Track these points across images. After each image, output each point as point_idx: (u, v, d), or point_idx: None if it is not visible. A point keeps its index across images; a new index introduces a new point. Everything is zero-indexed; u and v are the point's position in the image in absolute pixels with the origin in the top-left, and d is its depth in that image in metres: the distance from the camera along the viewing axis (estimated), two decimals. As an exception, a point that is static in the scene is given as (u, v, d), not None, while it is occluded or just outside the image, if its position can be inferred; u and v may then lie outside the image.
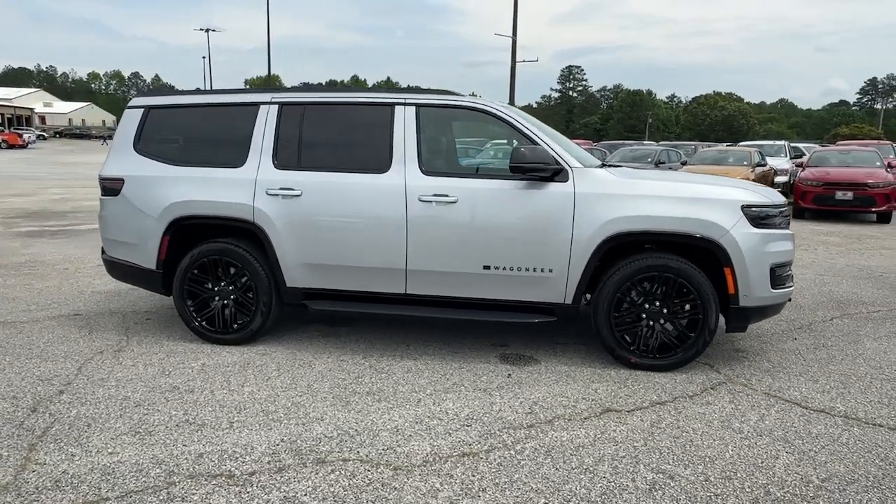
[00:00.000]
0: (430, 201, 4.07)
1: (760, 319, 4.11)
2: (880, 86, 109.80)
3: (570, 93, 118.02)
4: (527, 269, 4.03)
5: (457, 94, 4.33)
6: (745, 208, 3.86)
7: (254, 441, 3.04)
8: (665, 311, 3.96)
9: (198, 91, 4.89)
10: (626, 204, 3.89)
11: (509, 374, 3.96)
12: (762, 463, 2.87)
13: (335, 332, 4.81)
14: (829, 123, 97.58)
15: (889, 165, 13.86)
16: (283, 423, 3.25)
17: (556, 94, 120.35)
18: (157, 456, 2.89)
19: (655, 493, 2.61)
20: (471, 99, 4.31)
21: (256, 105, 4.44)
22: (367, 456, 2.91)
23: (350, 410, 3.41)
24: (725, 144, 22.22)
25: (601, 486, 2.66)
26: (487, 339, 4.63)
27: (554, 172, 3.96)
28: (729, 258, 3.81)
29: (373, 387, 3.75)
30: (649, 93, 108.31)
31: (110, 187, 4.62)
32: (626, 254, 4.00)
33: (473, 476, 2.74)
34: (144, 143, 4.59)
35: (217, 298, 4.46)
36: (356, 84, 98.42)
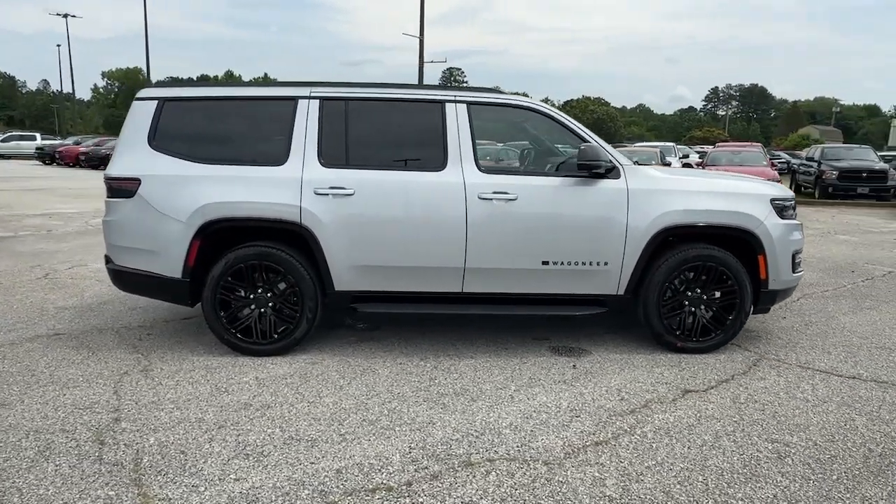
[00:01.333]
0: (491, 199, 4.08)
1: (780, 301, 4.59)
2: (721, 94, 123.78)
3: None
4: (583, 263, 4.18)
5: (504, 93, 4.37)
6: (773, 201, 4.30)
7: (383, 451, 2.90)
8: (705, 297, 4.30)
9: (220, 83, 4.48)
10: (675, 199, 4.17)
11: (574, 366, 4.09)
12: (845, 425, 3.24)
13: (370, 336, 4.65)
14: (681, 127, 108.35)
15: (771, 164, 15.87)
16: (397, 430, 3.13)
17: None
18: (292, 477, 2.67)
19: (786, 460, 2.87)
20: (521, 98, 4.38)
21: (293, 99, 4.17)
22: (508, 454, 2.90)
23: (453, 412, 3.35)
24: (636, 145, 24.25)
25: (738, 459, 2.87)
26: (527, 334, 4.72)
27: (608, 170, 4.14)
28: (763, 246, 4.23)
29: (455, 387, 3.70)
30: (525, 95, 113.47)
31: (122, 188, 4.11)
32: (670, 246, 4.28)
33: (621, 462, 2.83)
34: (162, 139, 4.14)
35: (253, 307, 4.14)
36: (231, 79, 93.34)
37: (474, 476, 2.70)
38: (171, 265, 4.06)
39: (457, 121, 4.18)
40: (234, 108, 4.22)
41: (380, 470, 2.74)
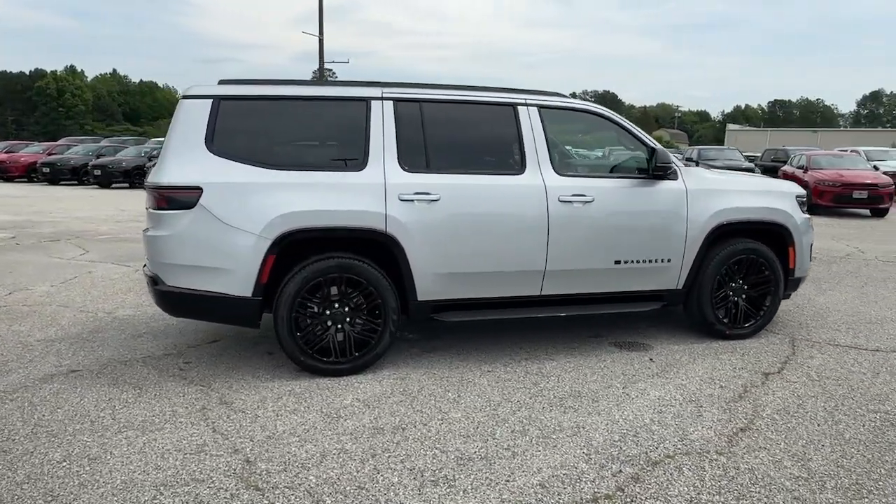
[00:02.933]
0: (571, 201, 4.13)
1: (798, 288, 5.12)
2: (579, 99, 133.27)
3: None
4: (650, 261, 4.37)
5: (568, 97, 4.44)
6: (797, 197, 4.80)
7: (564, 461, 2.85)
8: (746, 286, 4.69)
9: (279, 81, 4.04)
10: (726, 197, 4.51)
11: (651, 359, 4.27)
12: (914, 392, 3.73)
13: (430, 346, 4.49)
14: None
15: None
16: (554, 438, 3.08)
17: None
18: (502, 497, 2.54)
19: (900, 426, 3.25)
20: (585, 102, 4.46)
21: (365, 100, 3.92)
22: (679, 449, 2.97)
23: (588, 414, 3.36)
24: None
25: (865, 429, 3.19)
26: (580, 333, 4.82)
27: (671, 171, 4.37)
28: (792, 238, 4.70)
29: (563, 389, 3.71)
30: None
31: (178, 198, 3.61)
32: (720, 241, 4.60)
33: (778, 443, 3.02)
34: (222, 142, 3.69)
35: (330, 323, 3.84)
36: (76, 75, 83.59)
37: (671, 473, 2.75)
38: (240, 283, 3.65)
39: (531, 124, 4.18)
40: (300, 108, 3.88)
41: (579, 479, 2.69)
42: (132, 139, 31.60)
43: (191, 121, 3.69)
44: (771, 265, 4.66)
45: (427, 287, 3.96)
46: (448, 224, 3.92)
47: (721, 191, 4.52)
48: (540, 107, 4.25)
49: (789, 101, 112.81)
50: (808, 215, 4.94)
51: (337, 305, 3.84)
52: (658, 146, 4.36)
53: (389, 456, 2.90)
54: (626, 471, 2.77)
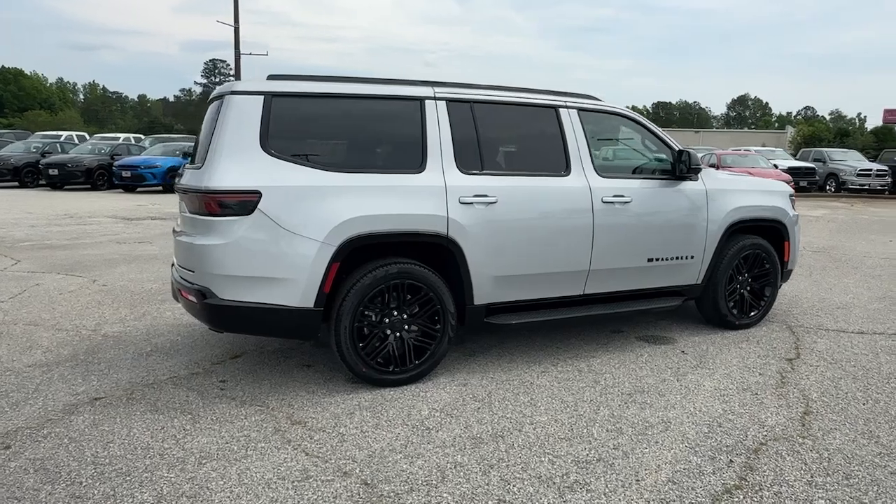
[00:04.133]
0: (613, 202, 4.24)
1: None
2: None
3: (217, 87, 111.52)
4: (677, 258, 4.59)
5: (601, 100, 4.53)
6: (790, 196, 5.22)
7: (676, 456, 2.94)
8: (750, 279, 5.04)
9: (331, 78, 3.76)
10: (738, 197, 4.82)
11: (682, 351, 4.48)
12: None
13: (469, 350, 4.43)
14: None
15: None
16: (651, 434, 3.16)
17: (200, 89, 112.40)
18: (654, 498, 2.57)
19: (929, 401, 3.65)
20: (616, 106, 4.57)
21: (419, 100, 3.79)
22: (775, 436, 3.15)
23: (663, 408, 3.48)
24: None
25: (903, 406, 3.56)
26: (602, 329, 4.96)
27: (697, 172, 4.60)
28: (788, 234, 5.11)
29: (624, 385, 3.80)
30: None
31: (234, 203, 3.30)
32: (732, 238, 4.90)
33: (851, 420, 3.29)
34: (276, 143, 3.42)
35: (389, 332, 3.69)
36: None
37: (775, 459, 2.91)
38: (302, 293, 3.41)
39: (573, 126, 4.23)
40: (355, 107, 3.68)
41: (701, 473, 2.79)
42: (9, 132, 28.32)
43: (243, 119, 3.39)
44: (771, 259, 5.05)
45: (483, 291, 3.91)
46: (504, 226, 3.89)
47: (734, 190, 4.83)
48: (579, 109, 4.32)
49: (670, 102, 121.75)
50: (797, 212, 5.41)
51: (396, 313, 3.70)
52: (685, 149, 4.58)
53: (507, 465, 2.84)
54: (737, 460, 2.91)
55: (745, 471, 2.82)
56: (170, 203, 15.10)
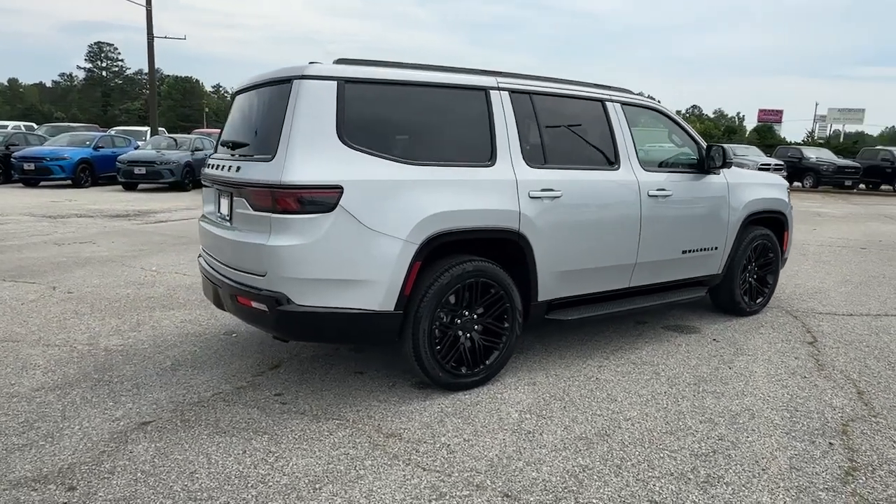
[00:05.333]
0: (657, 195, 4.29)
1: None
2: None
3: (104, 73, 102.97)
4: (704, 249, 4.73)
5: (636, 94, 4.55)
6: (787, 189, 5.54)
7: (780, 443, 3.01)
8: (757, 268, 5.31)
9: (402, 64, 3.46)
10: (752, 190, 5.04)
11: (714, 339, 4.63)
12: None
13: (525, 346, 4.32)
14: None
15: None
16: (742, 422, 3.23)
17: (84, 74, 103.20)
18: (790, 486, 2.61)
19: (948, 375, 4.00)
20: (652, 101, 4.61)
21: (484, 90, 3.63)
22: (858, 412, 3.32)
23: (736, 395, 3.57)
24: None
25: (933, 381, 3.88)
26: (626, 320, 5.02)
27: (725, 166, 4.76)
28: (788, 225, 5.43)
29: (687, 375, 3.87)
30: (196, 80, 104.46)
31: (314, 199, 2.99)
32: (746, 229, 5.11)
33: (897, 402, 3.54)
34: (352, 133, 3.13)
35: (460, 333, 3.52)
36: None
37: (867, 439, 3.06)
38: (384, 296, 3.16)
39: (619, 119, 4.23)
40: (425, 95, 3.44)
41: (813, 458, 2.87)
42: None
43: (317, 106, 3.07)
44: (774, 248, 5.35)
45: (546, 286, 3.82)
46: (567, 221, 3.83)
47: (749, 184, 5.06)
48: (622, 103, 4.33)
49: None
50: (791, 204, 5.77)
51: (467, 312, 3.54)
52: (714, 144, 4.72)
53: (633, 464, 2.79)
54: (835, 443, 3.03)
55: (848, 452, 2.94)
56: (88, 199, 13.71)
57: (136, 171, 15.63)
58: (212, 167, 3.83)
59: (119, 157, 16.18)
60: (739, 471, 2.75)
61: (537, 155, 3.78)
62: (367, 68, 3.29)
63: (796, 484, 2.65)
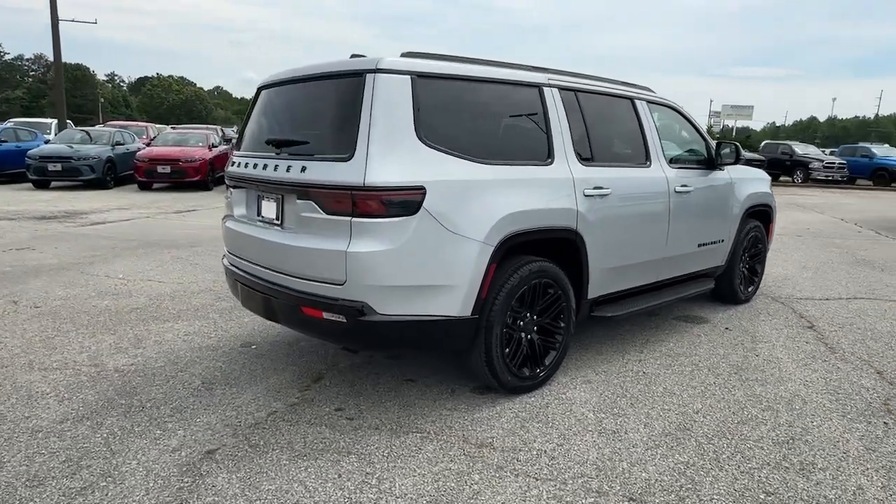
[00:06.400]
0: (682, 192, 4.40)
1: (760, 256, 6.25)
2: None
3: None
4: (715, 242, 4.92)
5: (655, 92, 4.63)
6: (770, 184, 5.87)
7: (845, 429, 3.18)
8: (749, 258, 5.60)
9: (465, 59, 3.25)
10: (749, 185, 5.30)
11: (727, 328, 4.83)
12: (903, 326, 5.02)
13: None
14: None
15: (211, 145, 16.16)
16: (811, 404, 3.38)
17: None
18: None
19: (939, 352, 4.40)
20: (668, 98, 4.69)
21: (538, 86, 3.56)
22: (890, 391, 3.56)
23: (787, 380, 3.74)
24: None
25: (931, 358, 4.25)
26: (639, 314, 5.14)
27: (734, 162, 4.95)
28: (772, 217, 5.76)
29: (727, 366, 4.01)
30: (87, 69, 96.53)
31: (399, 201, 2.80)
32: (743, 222, 5.36)
33: (914, 379, 3.85)
34: (427, 130, 2.96)
35: (522, 334, 3.45)
36: None
37: (913, 417, 3.31)
38: (462, 301, 3.04)
39: (648, 117, 4.30)
40: (488, 91, 3.33)
41: (882, 439, 3.05)
42: None
43: (394, 102, 2.87)
44: (763, 239, 5.67)
45: (595, 284, 3.83)
46: (614, 218, 3.85)
47: (746, 179, 5.31)
48: (647, 101, 4.40)
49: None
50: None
51: (528, 314, 3.47)
52: (724, 141, 4.92)
53: (728, 457, 2.85)
54: (889, 422, 3.25)
55: (903, 430, 3.17)
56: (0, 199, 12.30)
57: (51, 167, 14.18)
58: (243, 166, 3.51)
59: (29, 151, 14.61)
60: (826, 455, 2.88)
61: (585, 153, 3.76)
62: (437, 62, 3.12)
63: (881, 465, 2.82)
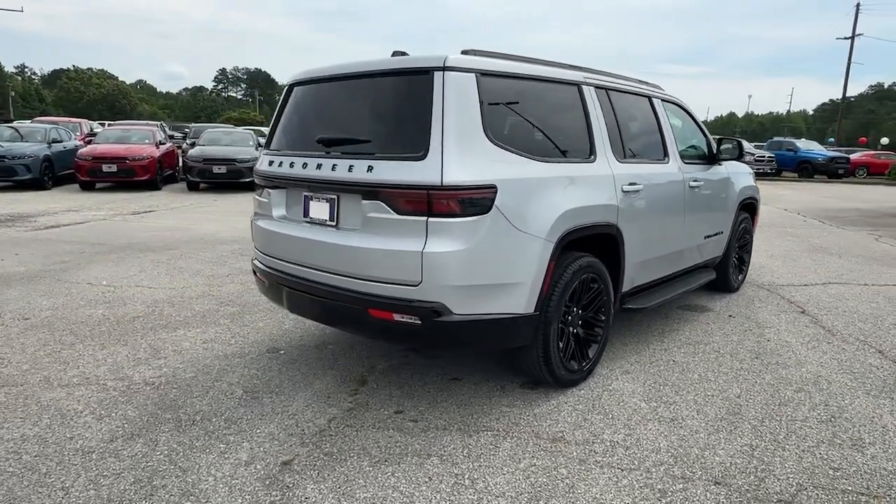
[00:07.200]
0: (694, 186, 4.58)
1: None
2: (230, 76, 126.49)
3: None
4: (717, 234, 5.16)
5: (665, 90, 4.77)
6: (754, 176, 6.19)
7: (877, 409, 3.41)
8: (738, 248, 5.89)
9: (515, 57, 3.21)
10: (741, 179, 5.58)
11: (731, 315, 5.07)
12: None
13: (572, 337, 4.40)
14: (194, 107, 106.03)
15: (158, 142, 15.55)
16: (836, 385, 3.60)
17: None
18: (910, 439, 2.97)
19: (922, 330, 4.78)
20: (677, 97, 4.85)
21: (577, 85, 3.61)
22: None
23: (806, 363, 3.97)
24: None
25: (917, 337, 4.62)
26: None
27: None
28: (756, 209, 6.08)
29: (748, 352, 4.21)
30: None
31: (474, 200, 2.78)
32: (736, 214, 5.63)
33: (911, 357, 4.17)
34: (493, 128, 2.95)
35: (570, 328, 3.51)
36: None
37: (926, 391, 3.59)
38: (527, 298, 3.06)
39: (664, 114, 4.44)
40: (538, 89, 3.34)
41: (906, 411, 3.31)
42: None
43: (464, 100, 2.84)
44: (750, 230, 5.99)
45: (628, 277, 3.94)
46: (646, 213, 3.97)
47: (738, 173, 5.58)
48: (662, 99, 4.55)
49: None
50: (748, 190, 6.45)
51: (574, 308, 3.53)
52: (726, 137, 5.14)
53: (785, 438, 3.00)
54: (909, 397, 3.52)
55: (924, 404, 3.44)
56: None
57: (-18, 167, 13.11)
58: (281, 165, 3.39)
59: (-46, 151, 13.44)
60: (870, 431, 3.09)
61: (619, 150, 3.85)
62: (496, 60, 3.12)
63: (919, 437, 3.06)
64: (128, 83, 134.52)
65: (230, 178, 14.51)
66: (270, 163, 3.49)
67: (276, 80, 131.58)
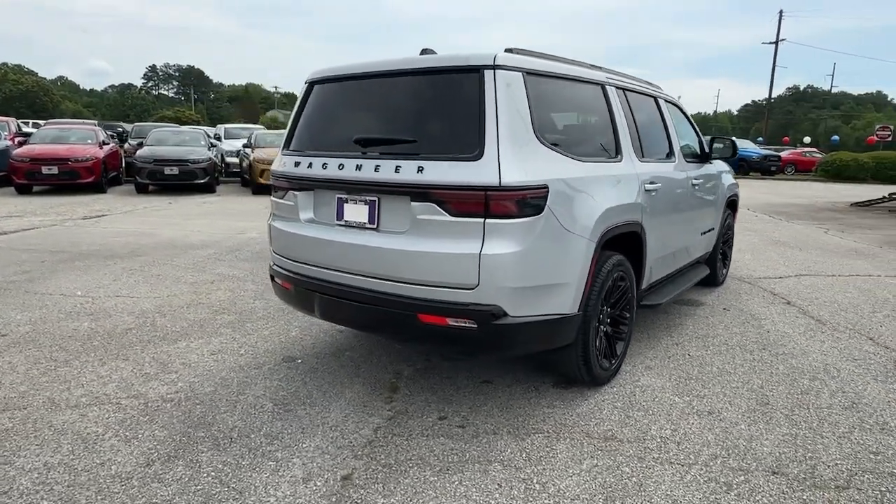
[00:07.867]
0: (695, 185, 4.70)
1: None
2: (160, 73, 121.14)
3: None
4: (710, 230, 5.32)
5: (662, 89, 4.87)
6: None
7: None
8: (722, 244, 6.10)
9: (551, 56, 3.15)
10: (727, 177, 5.78)
11: (725, 308, 5.25)
12: None
13: (585, 335, 4.44)
14: (122, 105, 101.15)
15: (102, 143, 14.63)
16: (845, 371, 3.76)
17: None
18: (929, 421, 3.15)
19: (899, 317, 5.09)
20: (675, 97, 4.95)
21: (602, 85, 3.63)
22: None
23: (813, 353, 4.14)
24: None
25: (897, 323, 4.92)
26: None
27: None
28: (737, 205, 6.33)
29: (754, 343, 4.36)
30: None
31: (528, 201, 2.74)
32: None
33: (899, 343, 4.44)
34: (541, 128, 2.91)
35: (603, 327, 3.53)
36: None
37: (925, 375, 3.82)
38: (573, 298, 3.06)
39: (669, 114, 4.54)
40: (573, 89, 3.35)
41: (916, 395, 3.51)
42: None
43: (515, 99, 2.80)
44: (732, 226, 6.22)
45: (647, 274, 4.00)
46: (662, 211, 4.04)
47: (724, 171, 5.79)
48: (665, 101, 4.64)
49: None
50: (726, 187, 6.69)
51: (605, 306, 3.55)
52: (718, 136, 5.31)
53: (818, 425, 3.12)
54: (912, 381, 3.73)
55: (928, 387, 3.66)
56: None
57: None
58: (309, 166, 3.24)
59: None
60: (892, 414, 3.26)
61: (638, 149, 3.91)
62: (539, 60, 3.09)
63: (936, 418, 3.25)
64: (48, 79, 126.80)
65: (183, 180, 13.89)
66: (297, 164, 3.34)
67: (210, 77, 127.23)
